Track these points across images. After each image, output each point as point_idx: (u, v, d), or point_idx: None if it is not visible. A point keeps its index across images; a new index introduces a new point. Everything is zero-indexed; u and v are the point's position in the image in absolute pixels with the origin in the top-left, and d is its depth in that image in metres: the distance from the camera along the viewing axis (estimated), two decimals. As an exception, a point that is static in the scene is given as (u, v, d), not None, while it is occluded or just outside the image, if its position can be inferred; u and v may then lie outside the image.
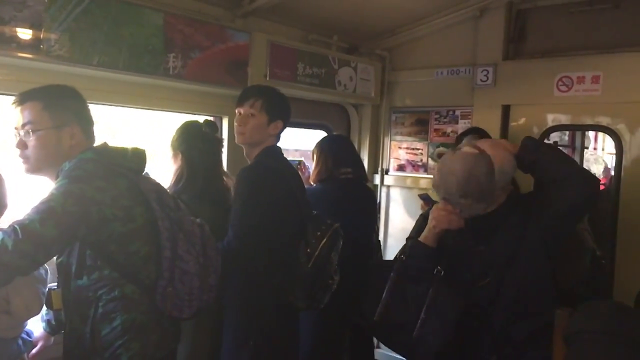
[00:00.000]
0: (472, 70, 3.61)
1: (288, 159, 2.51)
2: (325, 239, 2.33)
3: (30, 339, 2.10)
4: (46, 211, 1.55)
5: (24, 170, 1.76)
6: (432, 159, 3.87)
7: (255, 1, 3.02)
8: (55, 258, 1.71)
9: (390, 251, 3.87)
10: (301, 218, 2.36)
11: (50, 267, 1.99)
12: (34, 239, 1.51)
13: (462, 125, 3.69)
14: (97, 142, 1.83)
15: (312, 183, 3.11)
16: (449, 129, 3.80)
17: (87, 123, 1.81)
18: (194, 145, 2.46)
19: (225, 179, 2.59)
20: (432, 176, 2.04)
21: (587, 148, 5.47)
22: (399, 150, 4.06)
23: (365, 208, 3.15)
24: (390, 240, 4.05)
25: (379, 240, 3.55)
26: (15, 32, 2.13)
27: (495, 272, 1.93)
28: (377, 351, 3.85)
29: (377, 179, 4.11)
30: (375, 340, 3.75)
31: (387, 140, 4.11)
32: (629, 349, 1.54)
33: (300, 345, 2.51)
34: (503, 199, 1.97)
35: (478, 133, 3.05)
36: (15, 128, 1.73)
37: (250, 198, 2.21)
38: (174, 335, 1.88)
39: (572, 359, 1.67)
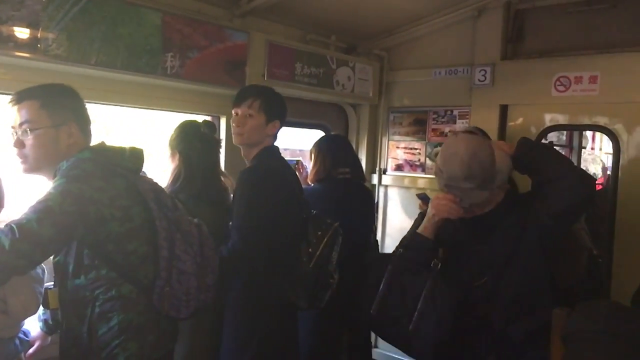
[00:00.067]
0: (470, 70, 3.61)
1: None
2: (326, 239, 2.34)
3: (27, 338, 2.09)
4: (44, 210, 1.54)
5: (22, 169, 1.75)
6: (430, 158, 3.87)
7: (253, 1, 3.02)
8: (52, 257, 1.70)
9: (388, 251, 3.83)
10: (302, 218, 2.37)
11: (47, 267, 1.98)
12: (31, 239, 1.51)
13: (460, 125, 3.69)
14: (93, 141, 1.82)
15: (309, 183, 3.11)
16: (446, 129, 3.79)
17: (84, 122, 1.80)
18: (192, 145, 2.45)
19: (223, 179, 2.58)
20: (430, 176, 2.04)
21: (584, 148, 5.48)
22: (397, 150, 4.06)
23: (363, 208, 3.15)
24: (388, 240, 4.05)
25: (377, 240, 3.55)
26: (13, 31, 2.13)
27: (493, 272, 1.93)
28: (374, 351, 3.85)
29: (375, 179, 4.11)
30: (372, 340, 3.76)
31: (385, 140, 4.11)
32: (627, 349, 1.54)
33: (299, 345, 2.50)
34: (501, 198, 1.97)
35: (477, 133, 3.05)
36: (12, 127, 1.72)
37: (253, 200, 2.20)
38: (171, 335, 1.88)
39: (570, 359, 1.68)
